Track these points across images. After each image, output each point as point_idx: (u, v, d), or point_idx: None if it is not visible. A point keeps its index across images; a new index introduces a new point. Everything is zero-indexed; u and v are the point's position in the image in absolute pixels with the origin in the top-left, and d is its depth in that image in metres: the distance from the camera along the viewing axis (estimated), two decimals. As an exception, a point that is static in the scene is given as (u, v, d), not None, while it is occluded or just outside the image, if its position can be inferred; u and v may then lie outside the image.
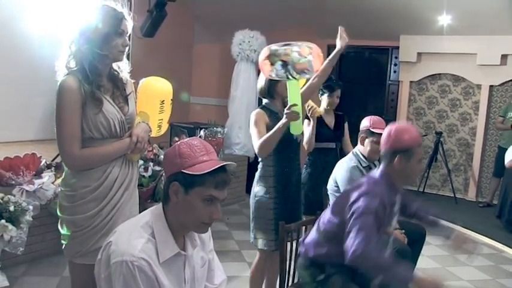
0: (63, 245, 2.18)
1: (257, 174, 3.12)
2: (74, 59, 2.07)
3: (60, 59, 2.09)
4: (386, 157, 2.47)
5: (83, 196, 2.08)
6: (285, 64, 2.66)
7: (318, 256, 2.54)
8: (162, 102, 2.41)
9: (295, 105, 2.75)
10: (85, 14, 2.07)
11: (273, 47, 2.74)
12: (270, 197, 3.03)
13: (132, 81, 2.33)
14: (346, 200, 2.42)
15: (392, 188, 2.47)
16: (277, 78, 2.82)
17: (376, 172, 2.53)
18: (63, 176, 2.21)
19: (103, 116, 2.07)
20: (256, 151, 2.95)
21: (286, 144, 2.97)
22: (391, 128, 2.48)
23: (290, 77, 2.70)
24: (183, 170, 1.60)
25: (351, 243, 2.23)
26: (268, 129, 2.93)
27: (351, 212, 2.33)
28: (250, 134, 3.07)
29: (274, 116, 3.01)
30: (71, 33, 2.08)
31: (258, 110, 3.05)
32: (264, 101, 3.12)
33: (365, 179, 2.52)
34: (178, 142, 1.69)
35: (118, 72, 2.22)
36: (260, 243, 3.08)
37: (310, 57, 2.68)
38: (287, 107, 2.77)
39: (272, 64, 2.70)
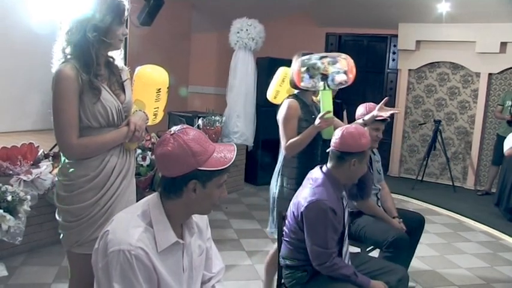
0: (61, 235, 2.17)
1: (279, 164, 3.13)
2: (74, 47, 2.03)
3: (57, 44, 2.07)
4: (338, 159, 2.53)
5: (80, 185, 2.07)
6: (324, 77, 2.81)
7: (297, 262, 2.60)
8: (159, 90, 2.39)
9: (328, 112, 2.84)
10: (88, 2, 2.04)
11: (312, 60, 2.84)
12: (291, 188, 3.03)
13: (128, 68, 2.31)
14: (297, 210, 2.53)
15: (337, 186, 2.55)
16: (310, 89, 2.92)
17: (319, 174, 2.58)
18: (60, 166, 2.19)
19: (101, 105, 2.06)
20: (284, 151, 3.00)
21: (313, 139, 2.96)
22: (345, 131, 2.54)
23: (327, 88, 2.84)
24: (200, 168, 1.59)
25: (312, 256, 2.45)
26: (300, 121, 2.95)
27: (304, 224, 2.47)
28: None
29: (306, 109, 3.02)
30: (71, 19, 2.05)
31: (292, 100, 3.02)
32: (296, 90, 3.10)
33: (310, 186, 2.55)
34: (181, 140, 1.59)
35: (113, 59, 2.21)
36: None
37: (346, 70, 2.84)
38: (321, 115, 2.84)
39: (312, 77, 2.82)
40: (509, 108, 6.47)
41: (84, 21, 2.02)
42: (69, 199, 2.10)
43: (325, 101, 2.87)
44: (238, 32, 6.69)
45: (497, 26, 6.77)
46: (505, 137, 6.01)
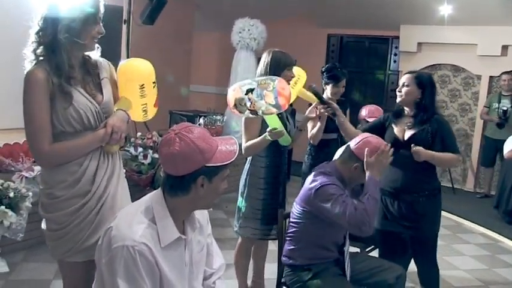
0: (48, 245, 2.09)
1: (247, 164, 3.16)
2: (45, 48, 1.93)
3: (28, 45, 1.96)
4: (347, 156, 2.59)
5: (62, 192, 1.98)
6: (254, 112, 2.74)
7: (301, 261, 2.62)
8: (142, 86, 2.19)
9: (274, 129, 2.80)
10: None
11: (237, 94, 2.77)
12: (260, 188, 3.07)
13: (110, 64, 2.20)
14: (304, 203, 2.57)
15: (341, 180, 2.57)
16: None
17: (324, 166, 2.65)
18: (39, 173, 2.13)
19: (73, 109, 1.94)
20: (242, 152, 3.00)
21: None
22: (367, 138, 2.58)
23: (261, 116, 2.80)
24: (207, 164, 1.62)
25: (352, 227, 2.43)
26: (263, 123, 2.93)
27: (320, 213, 2.50)
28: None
29: None
30: (42, 17, 1.94)
31: None
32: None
33: (312, 176, 2.60)
34: (188, 138, 1.60)
35: (89, 57, 2.09)
36: (246, 231, 3.12)
37: (277, 100, 2.70)
38: (268, 129, 2.81)
39: (241, 112, 2.78)
40: (496, 110, 6.52)
41: (56, 21, 1.89)
42: (51, 206, 2.01)
43: (270, 121, 2.81)
44: (240, 32, 6.70)
45: (499, 29, 6.78)
46: (493, 139, 6.14)
